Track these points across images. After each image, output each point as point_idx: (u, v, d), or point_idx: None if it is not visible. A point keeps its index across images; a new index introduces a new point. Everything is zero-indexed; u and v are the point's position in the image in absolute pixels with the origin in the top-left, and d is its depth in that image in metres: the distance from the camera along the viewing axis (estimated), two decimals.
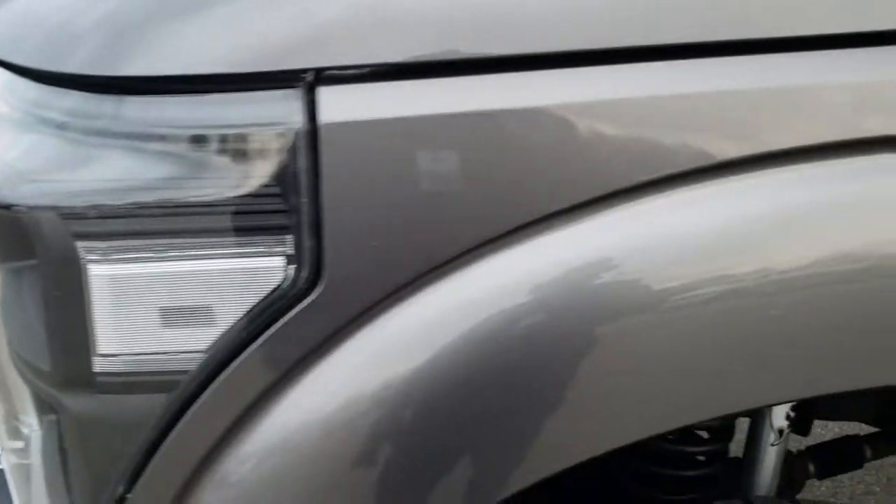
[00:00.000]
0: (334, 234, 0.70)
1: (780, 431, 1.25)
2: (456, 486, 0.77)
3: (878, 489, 2.04)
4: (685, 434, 1.23)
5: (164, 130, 0.71)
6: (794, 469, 1.57)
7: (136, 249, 0.71)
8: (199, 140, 0.71)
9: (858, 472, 2.10)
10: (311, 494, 0.75)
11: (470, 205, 0.70)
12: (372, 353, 0.74)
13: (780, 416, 1.23)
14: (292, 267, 0.71)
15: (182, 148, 0.71)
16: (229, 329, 0.72)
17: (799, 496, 1.59)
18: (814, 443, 1.59)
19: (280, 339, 0.72)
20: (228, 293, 0.72)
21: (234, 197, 0.70)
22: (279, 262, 0.71)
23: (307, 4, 0.70)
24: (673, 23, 0.73)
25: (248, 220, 0.71)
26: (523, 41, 0.70)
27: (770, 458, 1.27)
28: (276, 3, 0.70)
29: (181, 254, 0.71)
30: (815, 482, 2.03)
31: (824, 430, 2.02)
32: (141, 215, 0.71)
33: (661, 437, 1.23)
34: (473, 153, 0.70)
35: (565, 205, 0.72)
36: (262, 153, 0.70)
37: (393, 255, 0.72)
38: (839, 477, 2.04)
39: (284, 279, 0.71)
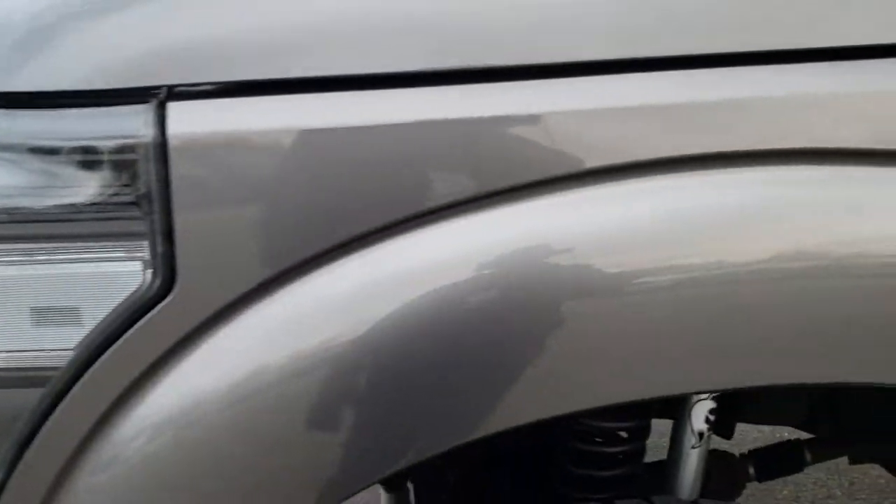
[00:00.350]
0: (185, 240, 0.75)
1: (701, 434, 1.27)
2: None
3: (840, 493, 2.04)
4: (601, 434, 1.26)
5: (34, 142, 0.76)
6: (734, 472, 1.59)
7: (8, 253, 0.77)
8: (65, 152, 0.76)
9: (821, 476, 2.11)
10: (177, 478, 0.80)
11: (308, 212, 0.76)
12: (252, 340, 0.78)
13: (699, 419, 1.25)
14: (149, 271, 0.76)
15: (50, 159, 0.76)
16: (95, 328, 0.78)
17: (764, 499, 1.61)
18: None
19: (142, 337, 0.77)
20: (93, 295, 0.77)
21: (95, 205, 0.75)
22: (137, 266, 0.76)
23: (160, 26, 0.75)
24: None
25: (107, 227, 0.76)
26: (358, 62, 0.75)
27: (692, 461, 1.28)
28: (133, 25, 0.75)
29: (49, 258, 0.77)
30: (777, 486, 2.04)
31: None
32: (11, 221, 0.76)
33: (576, 437, 1.27)
34: (304, 165, 0.75)
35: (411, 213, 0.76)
36: (119, 164, 0.75)
37: (244, 258, 0.76)
38: (801, 481, 2.04)
39: (143, 282, 0.76)
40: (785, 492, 2.04)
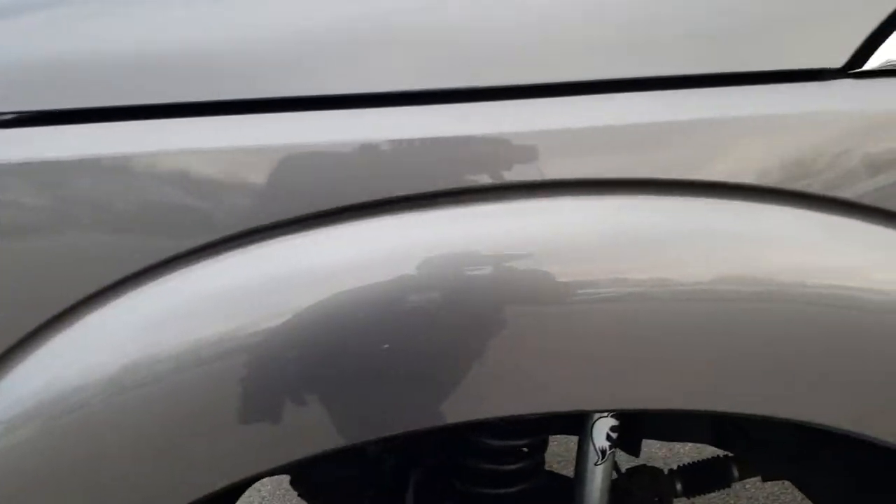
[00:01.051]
0: None
1: (603, 452, 1.26)
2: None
3: None
4: (496, 451, 1.26)
5: None
6: (661, 487, 1.57)
7: None
8: None
9: (774, 490, 2.07)
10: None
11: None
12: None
13: (601, 437, 1.25)
14: None
15: None
16: None
17: None
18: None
19: None
20: None
21: None
22: None
23: None
24: None
25: None
26: (156, 92, 0.77)
27: (597, 478, 1.28)
28: None
29: None
30: (730, 500, 2.00)
31: None
32: None
33: (476, 456, 1.26)
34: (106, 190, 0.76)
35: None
36: None
37: (54, 280, 0.78)
38: (755, 494, 2.01)
39: None
40: None
